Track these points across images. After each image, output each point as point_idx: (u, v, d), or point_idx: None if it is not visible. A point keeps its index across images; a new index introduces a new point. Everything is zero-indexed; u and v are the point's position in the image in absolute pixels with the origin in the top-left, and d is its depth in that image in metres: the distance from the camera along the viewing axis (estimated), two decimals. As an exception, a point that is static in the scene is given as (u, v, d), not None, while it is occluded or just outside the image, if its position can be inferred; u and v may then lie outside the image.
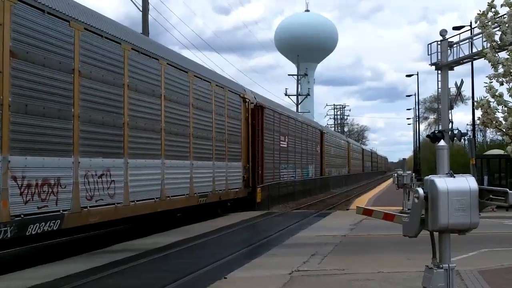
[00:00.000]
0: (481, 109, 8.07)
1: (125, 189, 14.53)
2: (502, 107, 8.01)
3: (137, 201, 15.15)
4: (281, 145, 32.63)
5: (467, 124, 61.96)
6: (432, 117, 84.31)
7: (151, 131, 16.41)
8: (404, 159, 34.98)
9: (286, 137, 34.21)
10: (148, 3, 25.17)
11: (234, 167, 24.02)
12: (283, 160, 33.45)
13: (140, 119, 15.67)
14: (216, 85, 22.14)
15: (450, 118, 30.01)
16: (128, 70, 14.94)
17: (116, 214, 14.28)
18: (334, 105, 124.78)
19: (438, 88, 31.10)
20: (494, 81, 7.98)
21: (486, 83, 8.04)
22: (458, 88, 29.66)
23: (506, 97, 8.00)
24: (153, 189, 16.21)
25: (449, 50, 28.14)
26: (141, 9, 25.02)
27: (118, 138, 14.48)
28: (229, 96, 23.72)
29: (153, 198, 16.21)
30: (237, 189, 24.35)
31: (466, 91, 40.13)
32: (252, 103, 26.71)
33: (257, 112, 27.08)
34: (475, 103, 8.31)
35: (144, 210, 15.81)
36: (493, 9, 8.08)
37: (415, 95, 70.34)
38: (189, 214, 20.14)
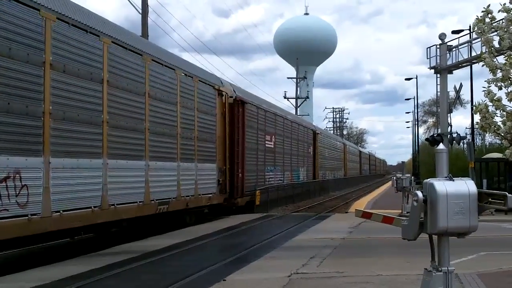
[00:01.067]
0: (480, 114, 8.09)
1: (45, 196, 11.40)
2: (501, 111, 8.03)
3: (64, 211, 11.96)
4: (266, 145, 29.93)
5: (466, 128, 62.05)
6: (431, 120, 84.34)
7: (88, 123, 13.20)
8: (403, 162, 35.11)
9: (273, 136, 31.48)
10: (147, 6, 25.22)
11: (207, 169, 20.86)
12: (269, 162, 30.73)
13: (73, 109, 12.58)
14: (184, 74, 18.98)
15: (449, 121, 30.05)
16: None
17: (33, 228, 11.21)
18: (333, 108, 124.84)
19: (437, 92, 31.14)
20: (492, 85, 8.01)
21: (484, 87, 8.07)
22: (457, 91, 29.73)
23: (504, 101, 8.02)
24: (90, 195, 13.08)
25: (448, 54, 28.19)
26: (140, 12, 25.07)
27: (37, 130, 11.40)
28: (201, 87, 20.49)
29: (90, 207, 13.07)
30: (211, 195, 21.17)
31: (465, 94, 40.07)
32: (231, 97, 23.92)
33: (236, 108, 24.24)
34: (473, 108, 8.33)
35: (75, 223, 12.65)
36: (489, 15, 8.11)
37: (414, 98, 70.30)
38: (145, 226, 17.32)
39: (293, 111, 63.83)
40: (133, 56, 15.47)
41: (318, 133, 46.43)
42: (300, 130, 39.48)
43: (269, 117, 30.66)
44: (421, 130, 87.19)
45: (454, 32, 31.26)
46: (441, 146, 5.97)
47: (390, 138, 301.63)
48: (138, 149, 15.69)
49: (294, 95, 69.02)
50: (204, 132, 20.72)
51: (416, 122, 72.26)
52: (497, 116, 8.06)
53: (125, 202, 14.65)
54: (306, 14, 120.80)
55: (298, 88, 69.94)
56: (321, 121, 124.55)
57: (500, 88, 8.01)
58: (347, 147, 68.17)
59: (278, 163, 32.71)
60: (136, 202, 15.31)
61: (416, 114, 71.66)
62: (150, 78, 16.40)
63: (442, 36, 28.26)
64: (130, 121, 15.15)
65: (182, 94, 18.72)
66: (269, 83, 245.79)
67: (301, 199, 35.94)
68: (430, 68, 29.11)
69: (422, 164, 60.58)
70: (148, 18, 25.18)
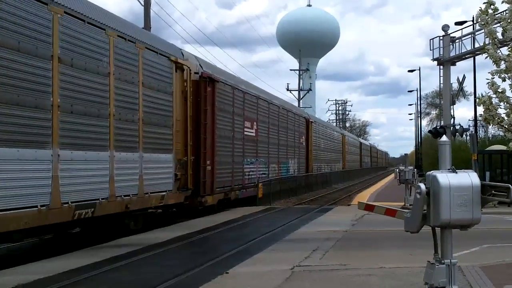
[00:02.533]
0: (483, 106, 8.06)
1: None
2: (504, 103, 8.00)
3: None
4: (246, 133, 25.53)
5: (469, 120, 62.05)
6: (434, 112, 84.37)
7: None
8: (406, 154, 35.01)
9: (255, 123, 26.99)
10: (150, -3, 25.15)
11: (158, 161, 16.57)
12: (250, 153, 26.20)
13: None
14: (119, 36, 14.55)
15: (452, 113, 30.01)
16: None
17: None
18: (335, 100, 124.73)
19: (440, 84, 31.07)
20: (496, 77, 7.97)
21: (488, 79, 8.04)
22: (460, 83, 29.65)
23: (508, 93, 8.00)
24: None
25: (451, 46, 28.14)
26: (143, 3, 25.02)
27: None
28: (149, 57, 16.08)
29: None
30: (164, 193, 16.79)
31: (468, 86, 40.22)
32: (196, 73, 19.59)
33: (203, 86, 19.94)
34: (477, 100, 8.30)
35: None
36: (492, 6, 8.07)
37: (417, 90, 70.19)
38: (60, 237, 14.68)
39: (296, 103, 63.71)
40: (34, 6, 11.45)
41: (312, 122, 42.13)
42: (290, 118, 35.14)
43: (250, 100, 26.24)
44: (424, 122, 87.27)
45: (457, 23, 31.17)
46: (444, 138, 5.95)
47: (393, 130, 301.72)
48: (44, 134, 11.57)
49: (297, 87, 68.95)
50: (154, 114, 16.33)
51: (419, 114, 72.23)
52: (500, 108, 8.03)
53: (14, 207, 10.59)
54: (309, 5, 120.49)
55: (301, 80, 69.86)
56: (324, 113, 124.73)
57: (504, 80, 7.99)
58: (346, 138, 64.21)
59: (261, 154, 28.22)
60: (36, 207, 11.16)
61: (419, 106, 71.64)
62: (62, 36, 12.16)
63: (445, 28, 28.19)
64: (25, 94, 11.07)
65: (118, 63, 14.42)
66: (272, 75, 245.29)
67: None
68: (433, 59, 29.06)
69: (425, 156, 60.56)
70: (151, 10, 25.11)
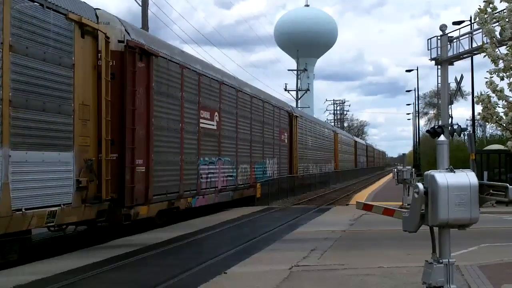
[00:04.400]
0: (482, 104, 8.07)
1: None
2: (503, 102, 8.01)
3: None
4: (202, 125, 20.10)
5: (467, 119, 62.12)
6: (432, 112, 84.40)
7: None
8: (404, 154, 34.98)
9: (216, 114, 21.62)
10: (147, -2, 25.14)
11: (44, 163, 11.55)
12: (208, 151, 20.81)
13: None
14: None
15: (450, 113, 30.07)
16: None
17: None
18: (333, 100, 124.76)
19: (438, 83, 31.08)
20: (494, 76, 7.97)
21: (486, 78, 8.04)
22: (458, 83, 29.67)
23: (506, 92, 7.99)
24: None
25: (449, 45, 28.15)
26: (140, 3, 25.02)
27: None
28: (25, 8, 11.11)
29: None
30: (57, 208, 11.77)
31: (466, 86, 40.01)
32: (121, 41, 14.83)
33: (131, 60, 15.07)
34: (475, 98, 8.30)
35: None
36: (491, 5, 8.07)
37: (414, 90, 70.29)
38: None
39: (294, 104, 63.67)
40: None
41: (296, 116, 36.84)
42: (267, 110, 29.69)
43: (208, 85, 20.80)
44: (422, 122, 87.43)
45: (455, 23, 31.18)
46: (442, 137, 5.95)
47: (392, 130, 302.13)
48: None
49: (295, 88, 68.96)
50: (35, 94, 11.36)
51: (417, 114, 72.30)
52: (499, 106, 8.04)
53: None
54: (307, 5, 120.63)
55: (299, 80, 69.86)
56: (322, 113, 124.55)
57: (502, 79, 7.99)
58: (339, 136, 58.84)
59: (226, 152, 22.93)
60: None
61: (417, 106, 71.70)
62: None
63: (443, 27, 28.21)
64: None
65: None
66: (270, 75, 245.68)
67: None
68: (431, 59, 29.07)
69: (422, 156, 60.59)
70: (149, 10, 25.11)
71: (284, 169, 33.42)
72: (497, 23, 8.03)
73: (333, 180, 49.86)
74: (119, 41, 14.82)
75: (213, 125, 21.39)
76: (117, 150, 14.49)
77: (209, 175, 20.76)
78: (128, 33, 15.13)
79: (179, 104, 18.12)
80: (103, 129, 13.61)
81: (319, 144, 46.19)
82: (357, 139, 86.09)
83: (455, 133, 29.42)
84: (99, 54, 13.70)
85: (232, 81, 24.41)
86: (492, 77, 7.95)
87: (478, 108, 8.26)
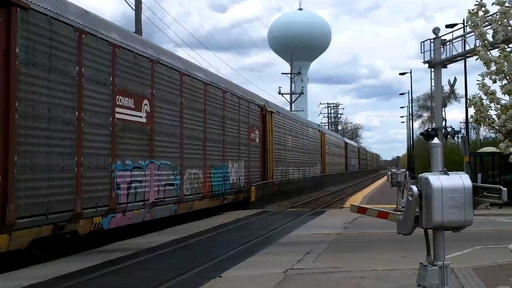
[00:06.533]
0: (474, 107, 8.08)
1: None
2: (495, 104, 8.02)
3: None
4: (120, 116, 14.77)
5: (461, 122, 62.26)
6: (425, 115, 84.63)
7: None
8: (398, 157, 35.00)
9: (146, 102, 16.26)
10: (140, 2, 25.14)
11: None
12: (132, 151, 15.43)
13: None
14: None
15: (444, 116, 30.11)
16: None
17: None
18: (327, 103, 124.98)
19: (431, 86, 31.18)
20: (486, 78, 8.00)
21: (478, 80, 8.06)
22: (451, 86, 29.77)
23: (499, 94, 8.01)
24: None
25: (442, 48, 28.23)
26: (134, 8, 25.01)
27: None
28: None
29: None
30: None
31: (459, 89, 40.09)
32: None
33: None
34: (468, 101, 8.32)
35: None
36: (483, 8, 8.10)
37: (408, 93, 70.51)
38: None
39: (288, 107, 63.67)
40: None
41: (272, 112, 31.59)
42: (229, 102, 24.23)
43: (131, 62, 15.48)
44: (416, 124, 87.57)
45: (448, 26, 31.29)
46: (435, 140, 5.97)
47: (386, 133, 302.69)
48: None
49: (288, 91, 69.05)
50: None
51: (410, 117, 72.46)
52: (491, 109, 8.05)
53: None
54: (300, 9, 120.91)
55: (293, 84, 69.97)
56: (316, 116, 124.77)
57: (494, 81, 8.01)
58: (326, 137, 53.52)
59: (163, 154, 17.34)
60: None
61: (410, 109, 71.86)
62: None
63: (436, 30, 28.31)
64: None
65: None
66: (265, 79, 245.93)
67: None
68: (424, 62, 29.14)
69: (417, 159, 60.69)
70: (142, 14, 25.10)
71: (254, 173, 27.91)
72: (489, 26, 8.07)
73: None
74: None
75: (141, 116, 16.04)
76: None
77: (134, 184, 15.32)
78: None
79: (73, 84, 12.79)
80: None
81: (302, 145, 41.61)
82: (348, 141, 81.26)
83: (448, 136, 29.50)
84: None
85: (175, 62, 18.80)
86: (484, 79, 7.97)
87: (472, 111, 8.28)
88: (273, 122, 31.70)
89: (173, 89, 18.40)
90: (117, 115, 14.66)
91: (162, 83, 17.57)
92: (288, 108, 62.19)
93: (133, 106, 15.59)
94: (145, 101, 16.38)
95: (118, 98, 14.75)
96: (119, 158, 14.67)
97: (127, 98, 15.28)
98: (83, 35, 13.15)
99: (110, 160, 14.26)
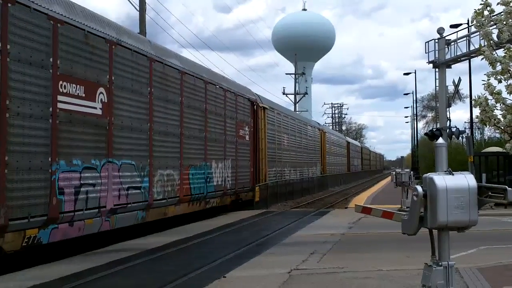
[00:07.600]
0: (480, 107, 8.06)
1: None
2: (501, 104, 8.00)
3: None
4: (63, 105, 12.04)
5: (465, 122, 62.19)
6: (430, 115, 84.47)
7: None
8: (402, 157, 34.95)
9: (103, 92, 13.63)
10: (145, 3, 25.17)
11: None
12: (84, 148, 12.84)
13: None
14: None
15: (448, 116, 30.03)
16: None
17: None
18: (332, 103, 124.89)
19: (436, 86, 31.12)
20: (492, 78, 7.97)
21: (484, 80, 8.03)
22: (456, 86, 29.70)
23: (504, 94, 7.99)
24: None
25: (446, 48, 28.17)
26: (138, 8, 25.03)
27: None
28: None
29: None
30: None
31: (464, 89, 40.14)
32: None
33: None
34: (473, 101, 8.30)
35: None
36: (488, 8, 8.08)
37: (413, 93, 70.42)
38: None
39: (292, 108, 63.58)
40: None
41: (265, 108, 29.01)
42: (213, 94, 21.59)
43: (80, 41, 12.79)
44: (420, 124, 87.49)
45: (452, 26, 31.25)
46: (440, 140, 5.94)
47: (390, 133, 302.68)
48: None
49: (293, 91, 68.99)
50: None
51: (415, 117, 72.37)
52: (497, 109, 8.03)
53: None
54: (304, 10, 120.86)
55: (297, 84, 69.92)
56: (320, 116, 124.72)
57: (499, 81, 7.99)
58: (327, 136, 50.57)
59: (125, 152, 14.73)
60: None
61: (415, 109, 71.77)
62: None
63: (440, 31, 28.25)
64: None
65: None
66: (269, 79, 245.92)
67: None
68: (429, 62, 29.11)
69: (421, 159, 60.63)
70: (147, 15, 25.12)
71: (243, 174, 25.16)
72: (495, 26, 8.04)
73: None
74: None
75: (95, 107, 13.36)
76: None
77: (84, 188, 12.74)
78: None
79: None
80: None
81: (299, 144, 38.93)
82: (350, 140, 78.03)
83: (453, 136, 29.43)
84: None
85: (142, 45, 16.14)
86: (489, 79, 7.95)
87: (476, 111, 8.26)
88: (266, 119, 29.03)
89: (139, 77, 15.61)
90: (59, 105, 11.86)
91: (125, 69, 14.79)
92: (292, 108, 62.12)
93: (83, 95, 12.80)
94: (101, 90, 13.60)
95: (61, 84, 11.98)
96: (62, 157, 11.90)
97: (74, 85, 12.45)
98: (9, 4, 10.49)
99: (50, 159, 11.48)
